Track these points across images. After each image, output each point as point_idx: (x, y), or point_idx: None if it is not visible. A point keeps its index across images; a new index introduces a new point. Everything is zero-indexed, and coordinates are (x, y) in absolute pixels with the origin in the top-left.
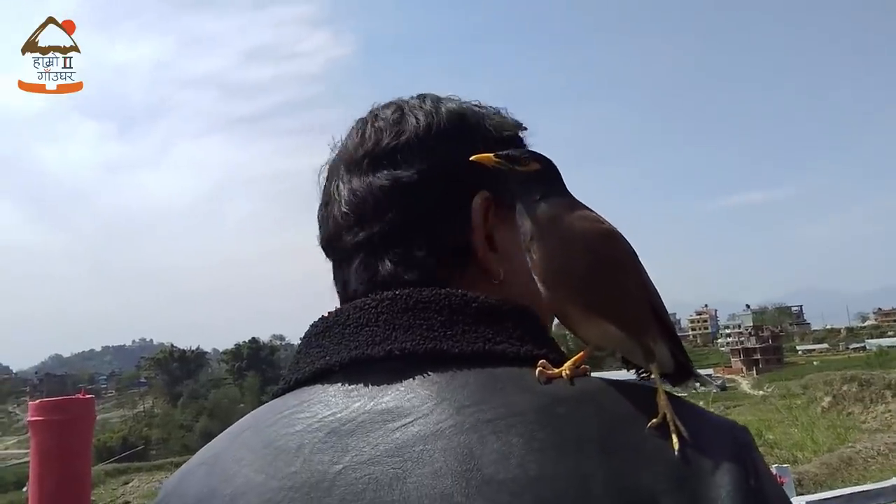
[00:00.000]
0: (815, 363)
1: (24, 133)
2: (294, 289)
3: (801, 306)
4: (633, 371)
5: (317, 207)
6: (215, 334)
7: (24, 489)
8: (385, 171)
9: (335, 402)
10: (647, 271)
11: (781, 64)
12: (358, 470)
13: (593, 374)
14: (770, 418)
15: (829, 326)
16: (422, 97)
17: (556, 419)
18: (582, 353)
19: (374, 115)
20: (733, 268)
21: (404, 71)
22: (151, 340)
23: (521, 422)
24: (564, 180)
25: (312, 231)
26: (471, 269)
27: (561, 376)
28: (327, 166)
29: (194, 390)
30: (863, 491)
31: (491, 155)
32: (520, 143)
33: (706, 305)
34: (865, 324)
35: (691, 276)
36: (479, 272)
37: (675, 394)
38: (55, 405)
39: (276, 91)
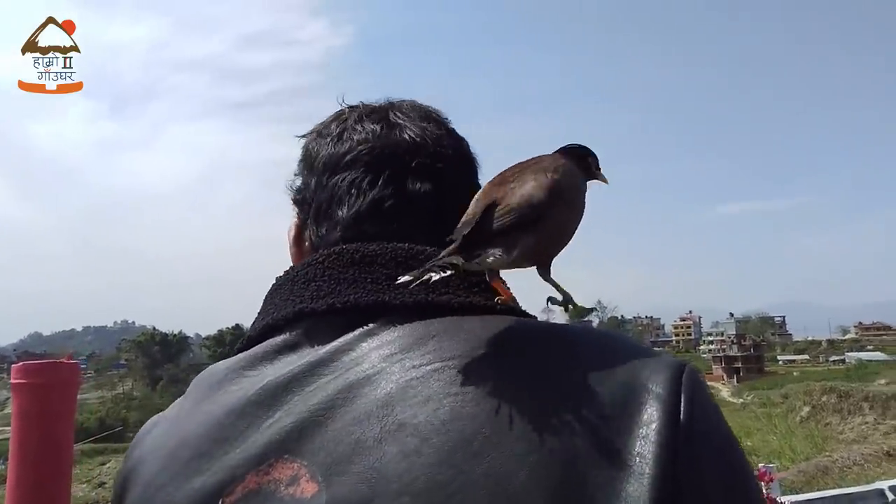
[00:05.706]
0: (795, 374)
1: (14, 106)
2: None
3: (783, 317)
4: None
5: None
6: (198, 319)
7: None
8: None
9: (279, 357)
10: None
11: (777, 77)
12: (288, 420)
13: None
14: (749, 425)
15: (810, 338)
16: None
17: (481, 363)
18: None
19: (394, 111)
20: (719, 276)
21: (403, 65)
22: (133, 322)
23: (446, 367)
24: None
25: None
26: None
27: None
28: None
29: (175, 374)
30: (846, 494)
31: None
32: None
33: (690, 312)
34: (846, 337)
35: (677, 282)
36: None
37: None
38: (39, 368)
39: (271, 78)
